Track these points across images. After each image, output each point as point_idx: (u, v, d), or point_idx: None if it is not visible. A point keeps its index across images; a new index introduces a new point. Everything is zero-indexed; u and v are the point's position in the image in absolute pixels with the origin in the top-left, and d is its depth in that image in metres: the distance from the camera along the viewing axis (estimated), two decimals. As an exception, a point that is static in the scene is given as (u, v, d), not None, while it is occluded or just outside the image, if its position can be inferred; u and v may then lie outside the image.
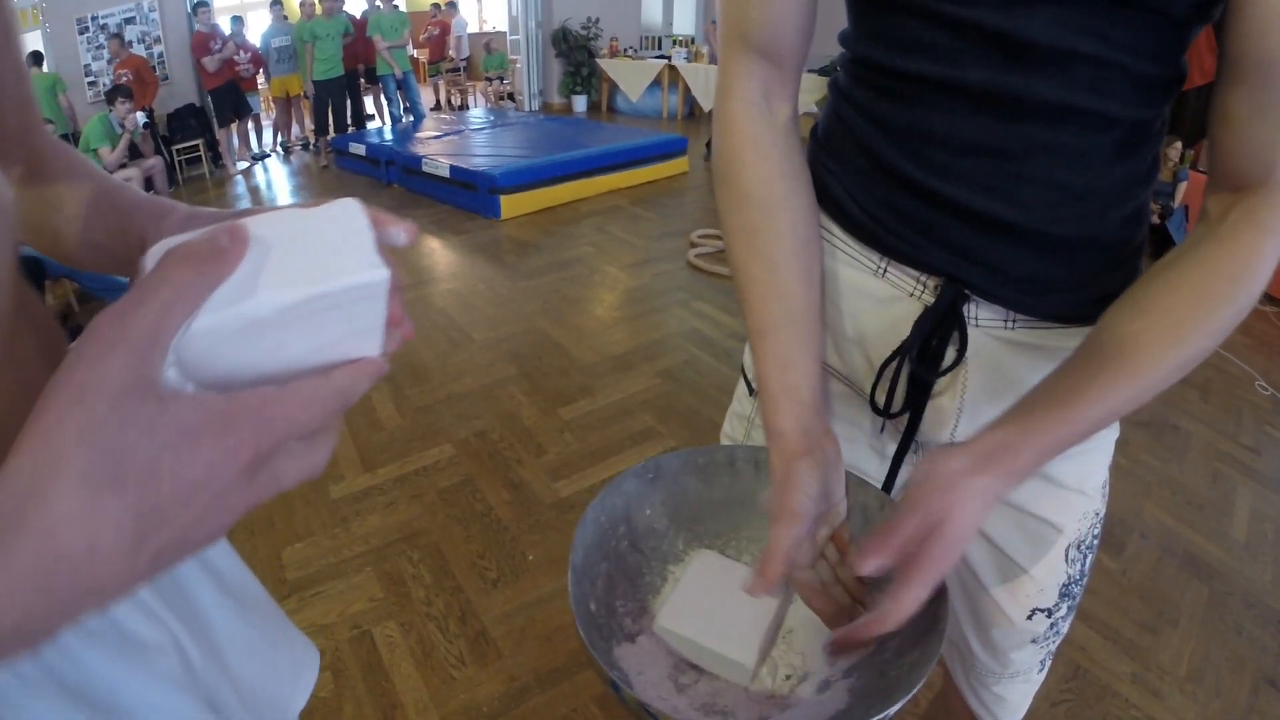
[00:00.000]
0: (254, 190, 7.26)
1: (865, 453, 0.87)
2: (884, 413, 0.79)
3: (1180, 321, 0.60)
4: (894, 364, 0.76)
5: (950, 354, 0.73)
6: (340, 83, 8.04)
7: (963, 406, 0.76)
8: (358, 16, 8.36)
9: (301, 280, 0.32)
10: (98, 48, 7.57)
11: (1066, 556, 0.82)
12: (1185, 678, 1.93)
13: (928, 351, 0.74)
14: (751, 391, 0.92)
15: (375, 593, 2.16)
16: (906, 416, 0.78)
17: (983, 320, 0.73)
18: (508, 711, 1.80)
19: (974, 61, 0.64)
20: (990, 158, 0.66)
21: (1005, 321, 0.73)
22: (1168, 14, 0.59)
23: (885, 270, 0.76)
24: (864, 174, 0.75)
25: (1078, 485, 0.79)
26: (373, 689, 1.85)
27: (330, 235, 0.35)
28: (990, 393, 0.75)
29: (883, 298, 0.76)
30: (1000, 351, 0.74)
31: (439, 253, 5.18)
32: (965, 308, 0.73)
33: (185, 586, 0.58)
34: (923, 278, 0.74)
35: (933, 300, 0.73)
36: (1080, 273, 0.68)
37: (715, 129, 0.76)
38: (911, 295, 0.75)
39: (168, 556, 0.31)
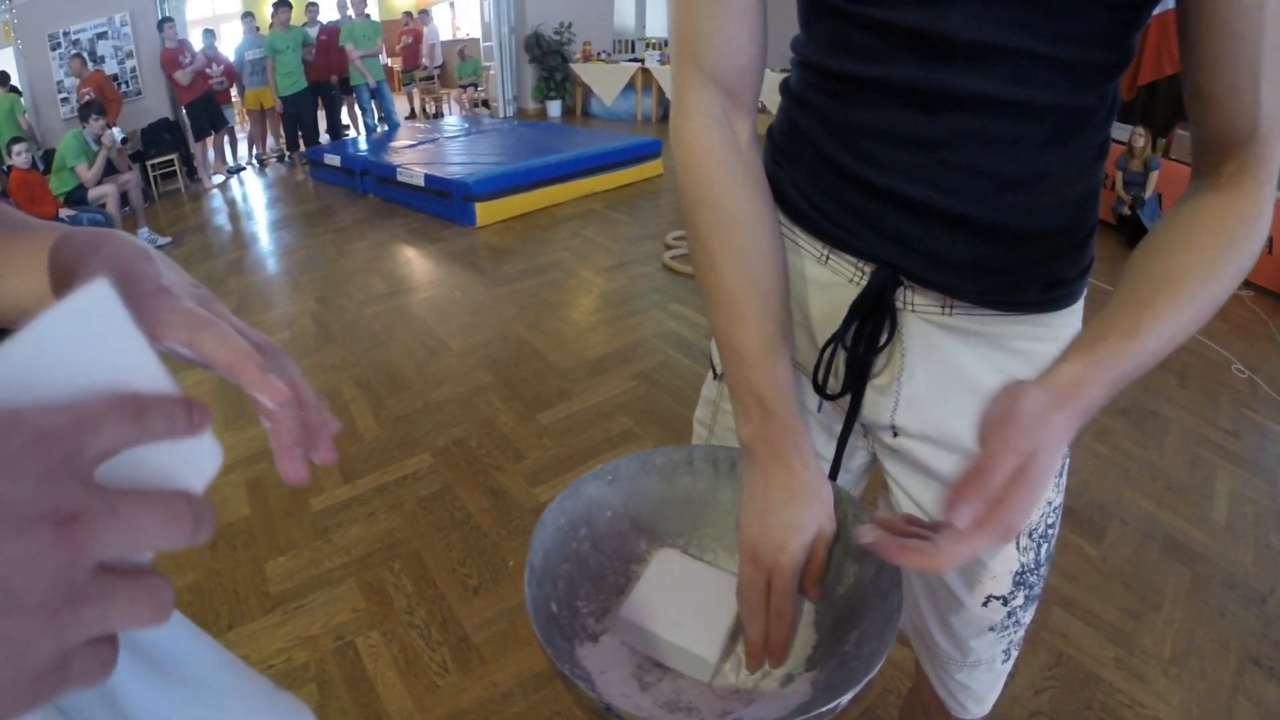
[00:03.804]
0: (230, 204, 7.20)
1: (815, 431, 0.88)
2: (824, 393, 0.80)
3: (1206, 259, 0.60)
4: (833, 347, 0.78)
5: (883, 339, 0.75)
6: (306, 95, 8.01)
7: (900, 390, 0.78)
8: (328, 25, 8.33)
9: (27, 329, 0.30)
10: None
11: (1018, 545, 0.82)
12: (1169, 661, 1.93)
13: (862, 335, 0.75)
14: (716, 375, 0.93)
15: (358, 603, 2.14)
16: (849, 399, 0.79)
17: (919, 306, 0.75)
18: (492, 717, 1.79)
19: (900, 59, 0.65)
20: (921, 148, 0.68)
21: (943, 308, 0.74)
22: None
23: (828, 257, 0.78)
24: (810, 167, 0.77)
25: None
26: (358, 700, 1.84)
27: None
28: (928, 378, 0.77)
29: (825, 283, 0.79)
30: (938, 337, 0.75)
31: (415, 262, 5.16)
32: (900, 294, 0.74)
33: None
34: (861, 264, 0.75)
35: None
36: (1021, 260, 0.68)
37: (676, 148, 0.73)
38: (851, 281, 0.77)
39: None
